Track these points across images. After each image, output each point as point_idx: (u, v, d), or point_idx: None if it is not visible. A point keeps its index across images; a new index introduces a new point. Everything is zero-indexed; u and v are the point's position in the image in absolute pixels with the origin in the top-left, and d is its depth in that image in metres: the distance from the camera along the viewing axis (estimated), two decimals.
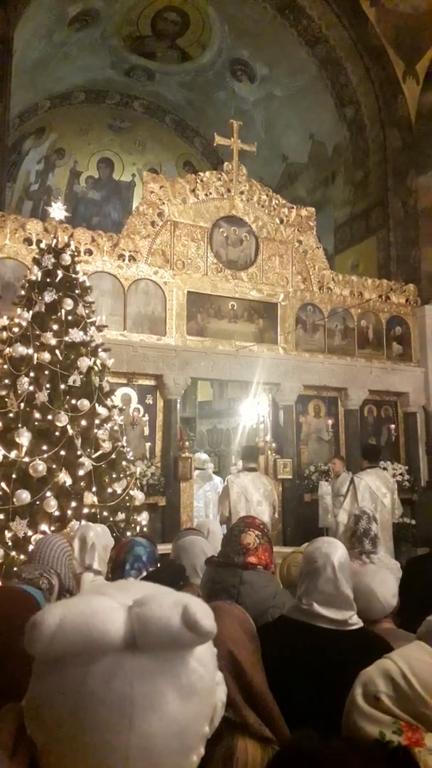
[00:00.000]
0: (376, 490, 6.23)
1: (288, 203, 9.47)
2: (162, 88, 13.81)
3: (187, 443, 8.29)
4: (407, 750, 1.13)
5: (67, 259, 5.27)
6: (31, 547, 3.98)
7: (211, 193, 8.80)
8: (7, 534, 4.23)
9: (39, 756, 0.63)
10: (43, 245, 5.47)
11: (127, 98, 14.07)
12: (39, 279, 5.14)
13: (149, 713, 0.58)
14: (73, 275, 5.28)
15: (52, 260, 5.21)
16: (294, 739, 1.26)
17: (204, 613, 0.60)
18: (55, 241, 5.39)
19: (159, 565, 2.96)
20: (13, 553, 4.14)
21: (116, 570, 2.83)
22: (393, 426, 9.67)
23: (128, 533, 4.53)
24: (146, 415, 7.96)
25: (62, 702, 0.59)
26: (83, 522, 4.16)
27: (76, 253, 5.51)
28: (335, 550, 2.20)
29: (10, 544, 4.21)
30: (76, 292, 5.24)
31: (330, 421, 9.14)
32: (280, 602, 2.60)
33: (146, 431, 7.89)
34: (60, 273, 5.16)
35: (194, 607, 0.60)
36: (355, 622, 2.14)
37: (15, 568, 3.50)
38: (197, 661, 0.62)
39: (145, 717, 0.58)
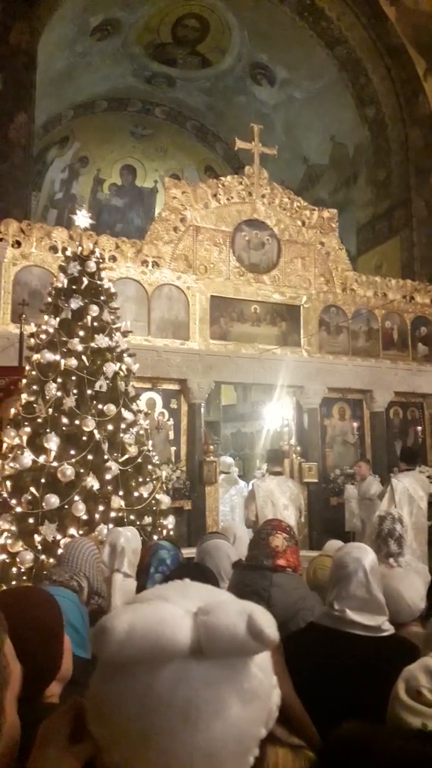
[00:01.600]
0: (414, 493, 6.16)
1: (310, 205, 9.44)
2: (183, 94, 13.93)
3: (211, 447, 8.31)
4: None
5: (92, 266, 5.32)
6: (60, 551, 4.03)
7: (232, 197, 8.82)
8: (37, 538, 4.29)
9: (100, 751, 0.65)
10: (68, 253, 5.53)
11: (148, 105, 14.23)
12: (65, 286, 5.20)
13: (213, 718, 0.60)
14: (98, 282, 5.33)
15: (78, 267, 5.27)
16: (342, 728, 1.30)
17: (268, 622, 0.62)
18: (80, 248, 5.45)
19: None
20: (43, 557, 4.20)
21: (141, 574, 2.85)
22: (419, 428, 9.54)
23: (155, 537, 4.56)
24: (171, 419, 8.00)
25: (129, 705, 0.61)
26: (112, 527, 4.19)
27: (100, 260, 5.57)
28: (366, 555, 2.19)
29: (39, 547, 4.26)
30: (102, 298, 5.28)
31: (355, 424, 9.07)
32: (309, 604, 2.60)
33: (171, 435, 7.94)
34: (85, 280, 5.21)
35: (259, 617, 0.61)
36: (388, 628, 2.12)
37: (45, 572, 3.55)
38: (257, 667, 0.64)
39: (209, 722, 0.60)
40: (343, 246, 9.58)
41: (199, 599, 0.65)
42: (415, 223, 11.35)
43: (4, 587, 3.88)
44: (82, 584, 2.30)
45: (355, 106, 12.53)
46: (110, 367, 4.98)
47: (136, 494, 4.78)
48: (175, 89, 13.72)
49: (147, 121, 14.38)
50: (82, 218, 5.71)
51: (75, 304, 5.08)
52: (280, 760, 1.35)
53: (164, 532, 4.79)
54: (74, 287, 5.18)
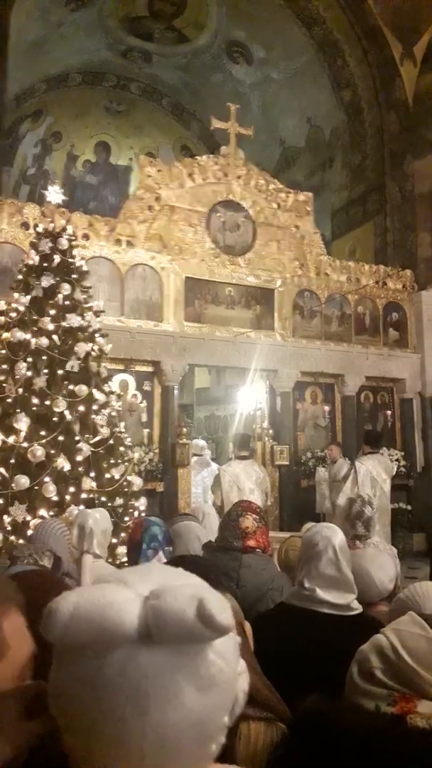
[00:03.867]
0: (377, 475, 6.27)
1: (285, 188, 9.40)
2: (159, 70, 13.62)
3: (185, 430, 8.30)
4: (400, 718, 1.22)
5: (64, 243, 5.23)
6: (29, 532, 4.00)
7: (208, 177, 8.72)
8: (6, 519, 4.24)
9: (62, 734, 0.64)
10: (40, 229, 5.42)
11: (124, 81, 13.87)
12: (36, 263, 5.11)
13: (165, 704, 0.58)
14: (70, 260, 5.24)
15: (49, 244, 5.17)
16: (306, 703, 1.36)
17: (220, 608, 0.59)
18: (52, 225, 5.34)
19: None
20: (12, 538, 4.16)
21: (133, 550, 2.86)
22: (389, 412, 9.70)
23: (126, 518, 4.55)
24: (144, 401, 7.96)
25: (80, 690, 0.60)
26: (81, 508, 4.17)
27: (73, 238, 5.47)
28: (335, 534, 2.21)
29: (9, 528, 4.22)
30: (74, 276, 5.21)
31: (327, 408, 9.17)
32: (278, 585, 2.62)
33: (144, 418, 7.90)
34: (57, 258, 5.12)
35: (210, 602, 0.59)
36: (356, 606, 2.14)
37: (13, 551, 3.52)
38: (216, 654, 0.61)
39: (160, 708, 0.58)
40: (317, 230, 9.58)
41: (157, 583, 0.63)
42: (388, 209, 11.39)
43: None
44: (40, 562, 2.27)
45: (332, 89, 12.45)
46: (82, 347, 4.92)
47: (107, 476, 4.76)
48: (151, 65, 13.40)
49: (122, 96, 14.04)
50: (55, 194, 5.60)
51: (46, 282, 5.00)
52: (252, 733, 1.37)
53: (135, 513, 4.79)
54: (45, 265, 5.10)
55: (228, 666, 0.63)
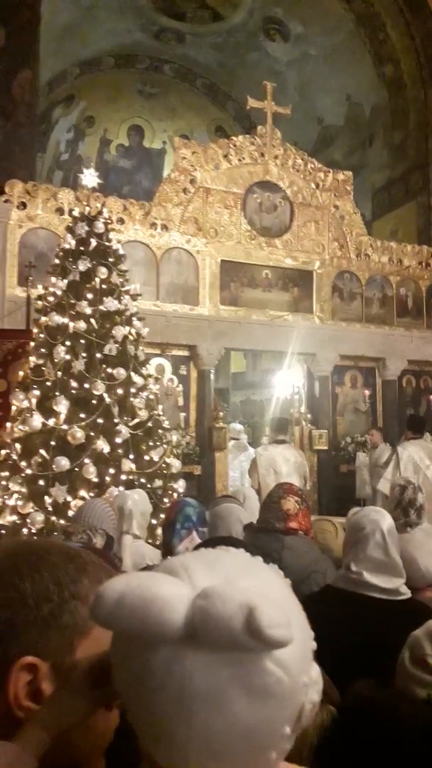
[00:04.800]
0: (419, 461, 6.09)
1: (324, 167, 9.17)
2: (192, 50, 13.44)
3: (221, 414, 8.27)
4: None
5: (100, 227, 5.21)
6: (70, 513, 4.03)
7: (244, 158, 8.57)
8: (47, 500, 4.29)
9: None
10: (75, 213, 5.41)
11: (156, 62, 13.75)
12: (73, 247, 5.10)
13: (211, 710, 0.55)
14: (107, 243, 5.22)
15: (86, 228, 5.15)
16: (356, 688, 1.36)
17: (274, 621, 0.53)
18: (87, 209, 5.32)
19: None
20: (54, 518, 4.21)
21: (167, 529, 2.89)
22: None
23: (165, 500, 4.55)
24: (180, 385, 7.95)
25: (130, 678, 0.59)
26: (121, 489, 4.18)
27: (108, 221, 5.44)
28: (383, 518, 2.18)
29: (50, 509, 4.27)
30: (110, 260, 5.19)
31: (367, 392, 8.98)
32: (322, 568, 2.59)
33: (180, 402, 7.90)
34: (93, 241, 5.11)
35: (262, 613, 0.53)
36: (405, 591, 2.11)
37: (62, 525, 3.57)
38: (275, 662, 0.56)
39: (206, 714, 0.55)
40: (357, 210, 9.33)
41: (222, 575, 0.58)
42: None
43: None
44: (94, 539, 2.28)
45: (373, 65, 12.05)
46: (119, 331, 4.91)
47: (146, 458, 4.77)
48: (185, 45, 13.22)
49: (155, 79, 13.92)
50: (89, 177, 5.57)
51: (83, 265, 4.99)
52: None
53: (174, 495, 4.78)
54: (82, 248, 5.09)
55: (289, 676, 0.57)
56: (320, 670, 1.58)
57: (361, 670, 1.76)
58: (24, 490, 4.36)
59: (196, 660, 0.55)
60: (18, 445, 4.51)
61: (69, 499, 4.28)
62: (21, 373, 4.92)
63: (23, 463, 4.43)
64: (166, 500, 4.58)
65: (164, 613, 0.55)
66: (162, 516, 3.79)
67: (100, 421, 4.57)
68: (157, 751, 0.59)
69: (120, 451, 4.58)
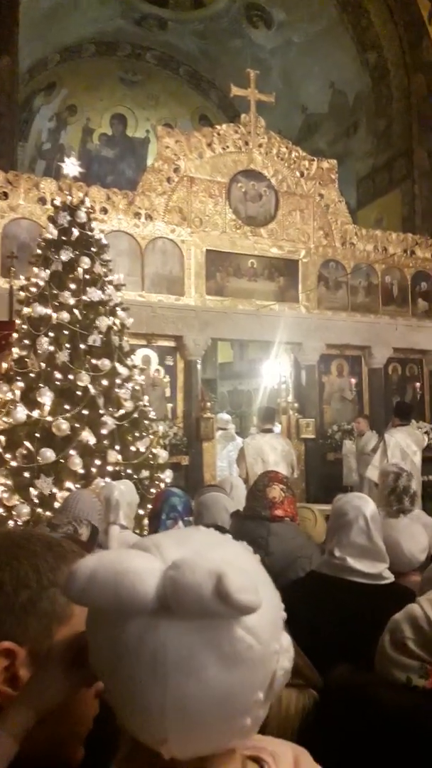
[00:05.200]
0: (406, 447, 6.14)
1: (308, 156, 9.13)
2: (175, 37, 13.28)
3: (208, 404, 8.27)
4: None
5: (82, 216, 5.15)
6: (56, 504, 4.01)
7: (228, 147, 8.51)
8: (33, 492, 4.27)
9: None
10: (57, 203, 5.35)
11: (138, 49, 13.58)
12: (55, 237, 5.05)
13: (185, 677, 0.57)
14: (89, 233, 5.18)
15: (68, 218, 5.10)
16: (336, 673, 1.38)
17: (242, 586, 0.55)
18: (69, 198, 5.26)
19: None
20: (40, 510, 4.19)
21: (153, 520, 2.90)
22: (418, 384, 9.50)
23: (152, 490, 4.55)
24: (167, 376, 7.93)
25: (106, 652, 0.60)
26: (107, 480, 4.17)
27: (91, 210, 5.39)
28: (366, 504, 2.19)
29: (36, 501, 4.25)
30: (93, 250, 5.14)
31: (353, 380, 9.02)
32: (307, 553, 2.61)
33: (167, 392, 7.88)
34: (76, 231, 5.06)
35: (231, 579, 0.55)
36: (388, 576, 2.14)
37: (46, 516, 3.55)
38: (245, 629, 0.58)
39: (179, 679, 0.57)
40: (342, 198, 9.31)
41: (192, 549, 0.60)
42: (416, 175, 11.01)
43: None
44: (80, 530, 2.27)
45: (356, 52, 11.99)
46: (103, 321, 4.88)
47: (132, 449, 4.76)
48: (167, 32, 13.06)
49: (137, 66, 13.75)
50: (71, 166, 5.51)
51: (65, 255, 4.95)
52: (284, 699, 1.38)
53: (161, 485, 4.78)
54: (64, 238, 5.05)
55: (260, 643, 0.59)
56: (301, 653, 1.59)
57: (344, 655, 1.78)
58: (9, 482, 4.34)
59: (169, 629, 0.56)
60: (2, 437, 4.48)
61: (55, 490, 4.26)
62: (4, 365, 4.87)
63: (8, 455, 4.40)
64: (153, 491, 4.57)
65: (136, 586, 0.56)
66: (149, 506, 3.79)
67: (85, 412, 4.55)
68: (134, 724, 0.60)
69: (106, 442, 4.57)
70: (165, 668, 0.56)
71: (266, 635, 0.60)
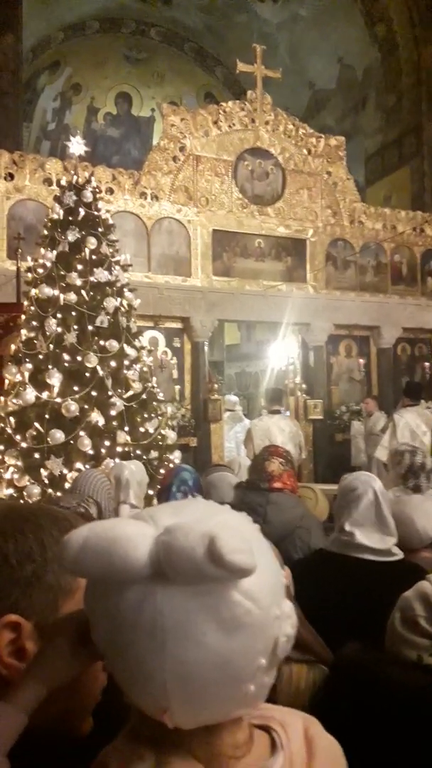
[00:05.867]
0: (416, 428, 6.11)
1: (316, 133, 8.99)
2: (179, 13, 13.03)
3: (216, 386, 8.27)
4: None
5: (88, 196, 5.10)
6: (67, 485, 4.04)
7: (234, 125, 8.39)
8: (43, 472, 4.30)
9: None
10: (63, 182, 5.30)
11: (143, 26, 13.35)
12: (61, 217, 5.01)
13: (183, 642, 0.57)
14: (95, 213, 5.12)
15: (74, 197, 5.05)
16: (346, 650, 1.36)
17: (235, 548, 0.54)
18: (75, 178, 5.21)
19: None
20: (50, 491, 4.22)
21: (163, 493, 2.92)
22: (427, 364, 9.43)
23: (161, 471, 4.57)
24: (174, 358, 7.92)
25: (105, 622, 0.60)
26: (117, 461, 4.19)
27: (98, 190, 5.34)
28: (374, 479, 2.19)
29: (46, 482, 4.28)
30: (99, 230, 5.09)
31: (362, 361, 8.98)
32: (306, 524, 2.61)
33: (175, 374, 7.88)
34: (82, 211, 5.01)
35: (223, 541, 0.54)
36: (397, 552, 2.12)
37: (54, 497, 3.58)
38: (243, 594, 0.58)
39: (179, 647, 0.57)
40: (350, 176, 9.18)
41: (187, 518, 0.60)
42: (426, 151, 10.83)
43: None
44: (90, 510, 2.29)
45: (365, 24, 11.73)
46: (110, 303, 4.86)
47: (141, 430, 4.76)
48: (171, 8, 12.81)
49: (142, 43, 13.52)
50: (77, 145, 5.44)
51: (72, 236, 4.91)
52: (294, 675, 1.40)
53: (170, 466, 4.79)
54: (71, 218, 5.00)
55: (259, 608, 0.58)
56: (312, 629, 1.59)
57: (354, 632, 1.79)
58: (20, 463, 4.36)
59: (166, 595, 0.56)
60: (12, 419, 4.50)
61: (65, 471, 4.29)
62: (13, 347, 4.87)
63: (18, 437, 4.42)
64: (162, 471, 4.59)
65: (129, 552, 0.56)
66: (159, 487, 3.82)
67: (93, 393, 4.55)
68: (137, 694, 0.60)
69: (115, 423, 4.57)
70: (164, 635, 0.56)
71: (265, 600, 0.60)
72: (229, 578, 0.56)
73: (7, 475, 4.38)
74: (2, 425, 4.54)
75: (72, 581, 0.77)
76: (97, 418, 4.45)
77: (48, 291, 4.74)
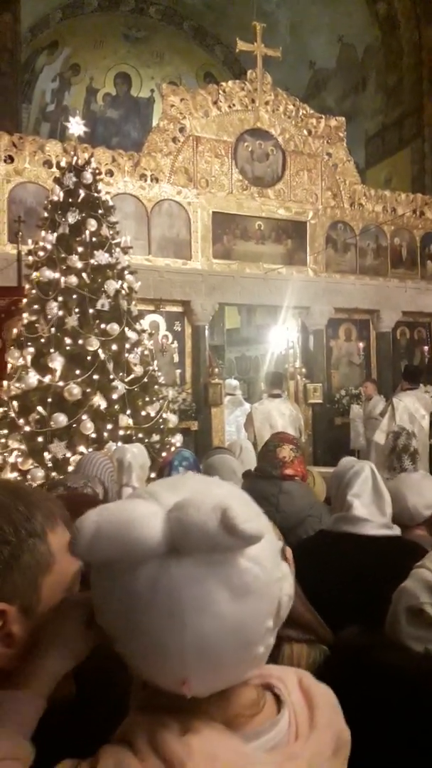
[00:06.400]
0: (415, 411, 6.14)
1: (316, 113, 8.89)
2: None
3: (216, 370, 8.28)
4: None
5: (88, 177, 5.06)
6: (70, 468, 4.08)
7: (234, 105, 8.30)
8: (47, 456, 4.33)
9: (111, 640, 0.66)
10: (63, 164, 5.27)
11: (142, 4, 13.12)
12: (61, 199, 4.98)
13: (200, 614, 0.59)
14: (95, 194, 5.09)
15: (74, 179, 5.01)
16: (345, 635, 1.38)
17: (245, 517, 0.58)
18: (75, 159, 5.17)
19: None
20: (54, 474, 4.26)
21: (164, 468, 2.95)
22: (426, 348, 9.45)
23: (163, 454, 4.60)
24: (175, 342, 7.92)
25: (117, 605, 0.61)
26: (119, 444, 4.22)
27: (98, 171, 5.30)
28: (369, 462, 2.24)
29: (50, 465, 4.32)
30: (99, 212, 5.07)
31: (361, 345, 8.99)
32: (317, 512, 2.65)
33: (176, 358, 7.89)
34: (82, 192, 4.98)
35: (235, 511, 0.57)
36: (394, 527, 2.15)
37: (59, 478, 3.61)
38: (250, 560, 0.61)
39: (196, 618, 0.59)
40: (351, 157, 9.10)
41: (188, 492, 0.62)
42: (427, 133, 10.72)
43: None
44: (96, 490, 2.32)
45: (366, 2, 11.53)
46: (111, 285, 4.85)
47: (143, 413, 4.78)
48: None
49: (141, 22, 13.29)
50: (76, 125, 5.40)
51: (72, 218, 4.88)
52: (295, 654, 1.40)
53: (172, 449, 4.83)
54: (71, 200, 4.97)
55: (264, 572, 0.62)
56: (312, 609, 1.61)
57: (355, 610, 1.82)
58: (23, 446, 4.39)
59: (180, 569, 0.58)
60: (15, 403, 4.52)
61: (68, 454, 4.32)
62: (15, 331, 4.87)
63: (21, 421, 4.45)
64: (164, 454, 4.62)
65: (143, 531, 0.58)
66: (161, 461, 3.86)
67: (95, 377, 4.56)
68: (154, 670, 0.62)
69: (117, 406, 4.59)
70: (181, 608, 0.58)
71: (269, 564, 0.63)
72: (241, 546, 0.58)
73: (11, 459, 4.42)
74: (5, 409, 4.57)
75: (48, 556, 0.77)
76: (99, 401, 4.47)
77: (49, 274, 4.73)
